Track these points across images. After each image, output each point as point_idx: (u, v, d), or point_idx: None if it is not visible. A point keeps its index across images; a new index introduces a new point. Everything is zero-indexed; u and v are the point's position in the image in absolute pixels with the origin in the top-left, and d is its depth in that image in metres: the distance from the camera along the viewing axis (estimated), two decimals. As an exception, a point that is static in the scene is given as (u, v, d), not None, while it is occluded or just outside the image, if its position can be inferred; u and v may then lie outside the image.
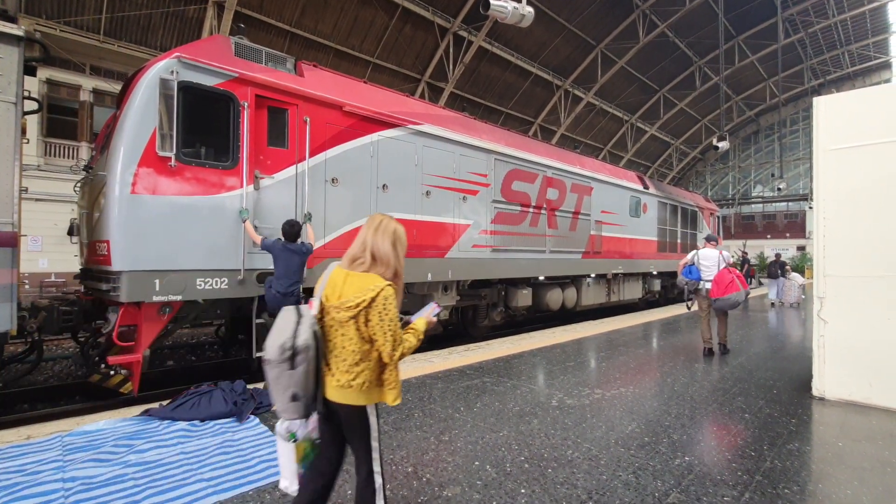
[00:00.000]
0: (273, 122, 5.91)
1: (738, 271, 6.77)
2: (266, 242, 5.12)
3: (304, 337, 1.92)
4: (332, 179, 6.37)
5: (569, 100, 31.36)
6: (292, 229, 5.05)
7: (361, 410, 2.03)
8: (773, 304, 14.90)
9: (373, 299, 1.94)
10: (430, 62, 24.12)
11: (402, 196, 7.25)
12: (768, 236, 47.65)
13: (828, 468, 3.34)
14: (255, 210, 5.60)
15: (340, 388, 1.99)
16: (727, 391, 5.14)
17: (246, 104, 5.54)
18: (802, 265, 30.98)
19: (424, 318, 2.20)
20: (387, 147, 7.04)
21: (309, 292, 3.72)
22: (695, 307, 7.46)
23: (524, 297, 9.84)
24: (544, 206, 10.13)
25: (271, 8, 18.96)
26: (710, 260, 6.92)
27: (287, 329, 1.93)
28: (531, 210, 9.77)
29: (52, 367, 7.86)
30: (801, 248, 41.63)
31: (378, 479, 2.04)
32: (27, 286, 16.60)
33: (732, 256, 7.24)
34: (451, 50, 23.69)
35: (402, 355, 2.01)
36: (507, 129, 10.52)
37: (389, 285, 2.01)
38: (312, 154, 6.13)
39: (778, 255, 16.00)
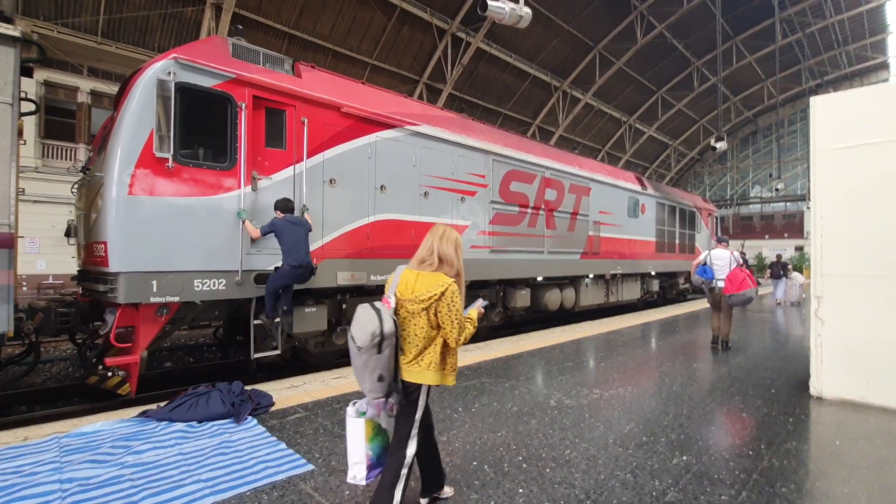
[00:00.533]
0: (271, 123, 5.91)
1: (748, 270, 7.27)
2: (265, 226, 5.29)
3: (389, 325, 2.32)
4: (330, 180, 6.37)
5: (567, 101, 31.40)
6: (289, 203, 5.42)
7: (418, 388, 2.43)
8: (777, 302, 15.39)
9: (442, 293, 2.36)
10: (428, 63, 24.15)
11: (401, 197, 7.25)
12: (766, 237, 47.75)
13: (825, 467, 3.34)
14: (253, 211, 5.60)
15: (411, 369, 2.42)
16: (725, 391, 5.14)
17: (243, 105, 5.54)
18: (800, 265, 31.08)
19: (476, 309, 2.59)
20: (385, 148, 7.04)
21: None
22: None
23: (522, 298, 9.84)
24: (542, 206, 10.14)
25: (269, 9, 18.97)
26: (722, 260, 7.36)
27: (373, 320, 2.30)
28: (529, 211, 9.78)
29: (49, 369, 7.84)
30: (799, 249, 41.71)
31: (409, 456, 2.38)
32: (25, 288, 16.56)
33: (741, 256, 7.80)
34: (449, 51, 23.71)
35: (465, 340, 2.42)
36: (506, 129, 10.53)
37: (454, 282, 2.43)
38: (310, 155, 6.13)
39: (779, 256, 16.63)
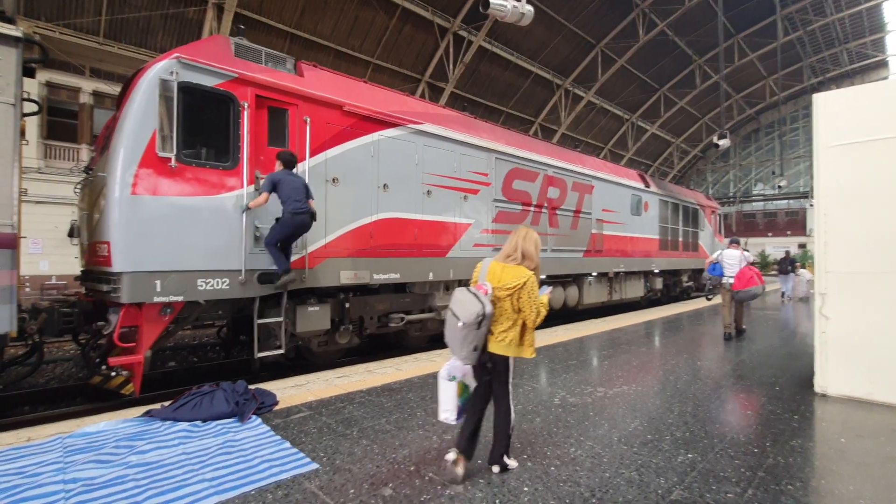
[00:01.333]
0: (273, 122, 5.91)
1: (756, 269, 7.88)
2: (265, 184, 5.29)
3: (489, 308, 2.85)
4: (333, 179, 6.36)
5: (569, 99, 31.35)
6: (293, 158, 5.54)
7: (507, 360, 3.01)
8: (783, 299, 15.75)
9: (524, 283, 2.90)
10: (430, 62, 24.13)
11: (403, 195, 7.24)
12: (770, 234, 47.64)
13: (830, 464, 3.33)
14: (256, 210, 5.59)
15: (497, 343, 2.96)
16: (729, 388, 5.13)
17: (246, 104, 5.54)
18: (804, 262, 31.08)
19: (546, 294, 3.05)
20: (387, 146, 7.03)
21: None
22: (717, 299, 8.74)
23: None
24: (545, 204, 10.12)
25: (271, 9, 18.97)
26: (733, 259, 8.09)
27: (476, 303, 2.83)
28: (532, 209, 9.77)
29: (52, 370, 7.86)
30: (803, 246, 41.57)
31: (512, 407, 3.06)
32: (28, 289, 16.61)
33: (752, 256, 8.53)
34: (451, 50, 23.69)
35: (540, 321, 2.96)
36: (508, 128, 10.51)
37: (533, 274, 2.97)
38: (313, 154, 6.12)
39: (787, 253, 17.27)
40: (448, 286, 8.17)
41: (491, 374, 3.04)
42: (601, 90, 32.17)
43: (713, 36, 27.67)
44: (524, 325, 2.98)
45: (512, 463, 3.13)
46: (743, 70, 37.37)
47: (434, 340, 8.96)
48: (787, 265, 16.16)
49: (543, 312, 2.95)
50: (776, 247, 44.73)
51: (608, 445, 3.52)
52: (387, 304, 7.47)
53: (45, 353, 6.15)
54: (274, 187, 5.26)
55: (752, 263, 8.16)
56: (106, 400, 5.97)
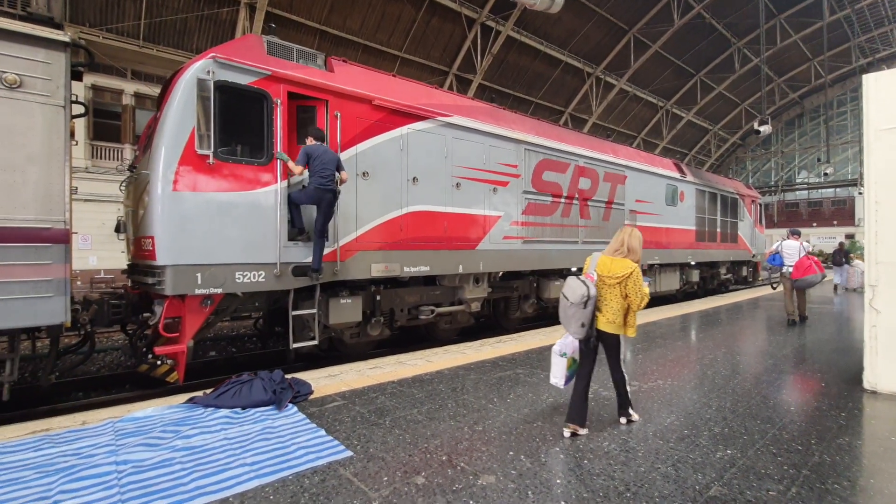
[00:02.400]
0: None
1: (815, 258, 8.43)
2: (300, 157, 5.46)
3: (593, 291, 3.47)
4: (363, 173, 6.44)
5: (600, 87, 30.64)
6: (321, 133, 5.76)
7: (616, 337, 3.63)
8: (835, 291, 15.71)
9: (631, 273, 3.48)
10: (457, 54, 24.01)
11: (433, 188, 7.26)
12: (814, 224, 45.43)
13: (880, 463, 3.17)
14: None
15: (608, 323, 3.57)
16: (771, 384, 4.95)
17: (279, 101, 5.66)
18: (851, 252, 29.64)
19: (646, 285, 3.56)
20: (416, 140, 7.06)
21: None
22: (780, 287, 9.77)
23: (557, 289, 9.70)
24: (576, 195, 9.96)
25: (300, 7, 19.26)
26: (792, 249, 8.73)
27: (583, 287, 3.44)
28: (563, 200, 9.62)
29: (103, 358, 8.30)
30: (850, 237, 39.45)
31: (625, 375, 3.77)
32: (79, 282, 17.53)
33: (812, 246, 9.35)
34: (478, 41, 23.50)
35: (643, 307, 3.52)
36: (537, 118, 10.36)
37: (638, 266, 3.54)
38: (343, 148, 6.21)
39: (841, 244, 17.48)
40: (478, 279, 8.16)
41: (599, 350, 3.71)
42: (634, 77, 31.28)
43: (753, 17, 26.43)
44: (629, 308, 3.56)
45: (635, 416, 3.82)
46: (786, 52, 35.57)
47: (464, 333, 8.99)
48: (841, 256, 16.34)
49: (646, 300, 3.51)
50: (821, 237, 42.67)
51: (643, 440, 3.47)
52: (417, 296, 7.53)
53: (96, 342, 6.49)
54: (308, 159, 5.46)
55: (811, 254, 8.55)
56: (152, 387, 6.27)
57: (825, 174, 31.68)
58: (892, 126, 4.62)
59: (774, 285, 9.94)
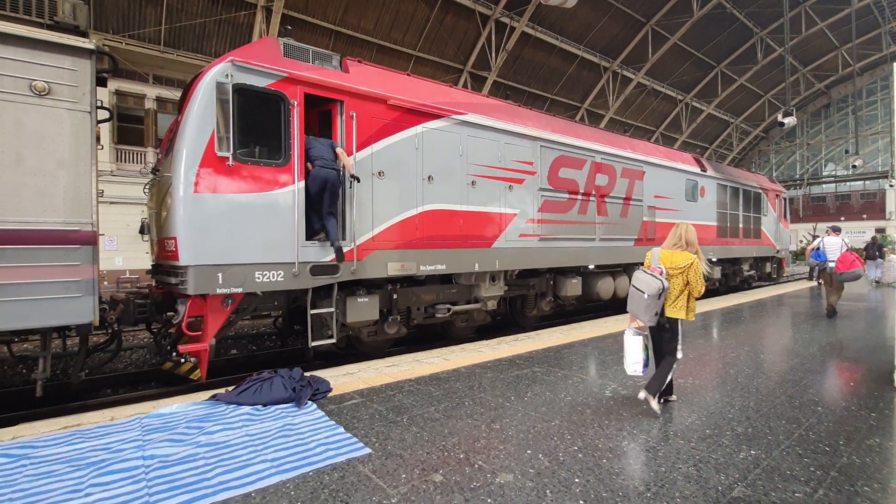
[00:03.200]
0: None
1: (856, 254, 8.95)
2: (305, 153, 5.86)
3: (666, 284, 3.86)
4: (379, 172, 6.47)
5: (617, 81, 30.21)
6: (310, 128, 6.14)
7: (677, 321, 4.04)
8: (875, 282, 16.11)
9: (691, 264, 3.89)
10: (472, 51, 23.93)
11: (448, 187, 7.26)
12: (842, 218, 44.07)
13: (914, 466, 3.07)
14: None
15: (672, 309, 3.97)
16: (797, 383, 4.83)
17: (295, 102, 5.72)
18: (885, 246, 28.78)
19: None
20: (431, 138, 7.07)
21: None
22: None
23: (573, 287, 9.63)
24: (593, 192, 9.85)
25: (315, 8, 19.44)
26: (834, 245, 9.12)
27: (657, 281, 3.83)
28: (579, 197, 9.53)
29: (129, 356, 8.53)
30: (881, 231, 38.18)
31: (679, 355, 4.13)
32: (105, 283, 18.05)
33: (850, 242, 9.92)
34: (493, 37, 23.38)
35: (701, 294, 3.92)
36: (553, 114, 10.27)
37: (697, 258, 3.94)
38: (359, 148, 6.26)
39: (874, 238, 18.01)
40: (494, 277, 8.14)
41: (667, 333, 4.09)
42: (652, 70, 30.75)
43: (777, 5, 25.75)
44: (689, 295, 3.96)
45: (672, 397, 4.29)
46: (811, 41, 34.52)
47: (480, 331, 8.98)
48: (874, 250, 16.57)
49: (703, 289, 3.93)
50: (851, 231, 41.38)
51: (663, 439, 3.42)
52: (433, 294, 7.55)
53: (122, 340, 6.68)
54: (307, 153, 5.80)
55: (851, 249, 8.94)
56: (176, 384, 6.43)
57: (854, 166, 30.61)
58: (924, 116, 4.45)
59: (819, 281, 10.44)
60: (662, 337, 4.13)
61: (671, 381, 4.13)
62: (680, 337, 4.11)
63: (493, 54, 23.70)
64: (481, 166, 7.72)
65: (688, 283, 3.92)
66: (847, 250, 8.78)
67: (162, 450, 3.21)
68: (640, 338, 4.04)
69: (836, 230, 9.44)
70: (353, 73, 6.47)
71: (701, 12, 26.90)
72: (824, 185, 46.92)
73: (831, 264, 8.97)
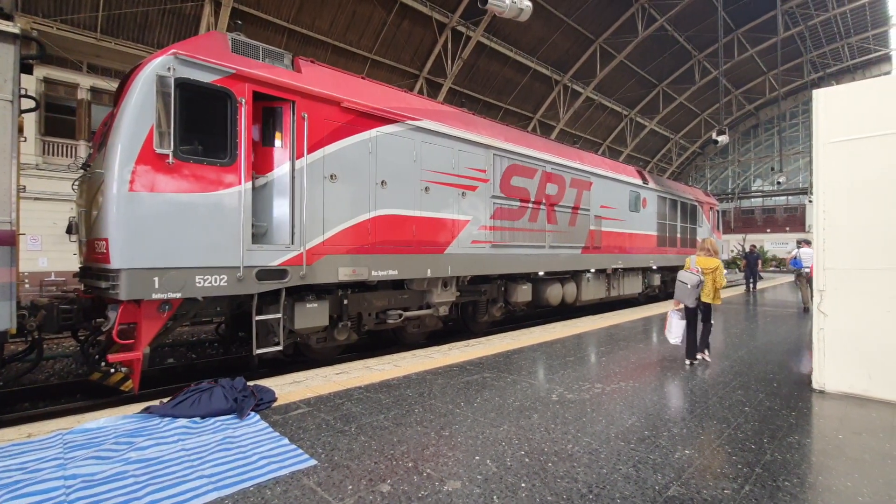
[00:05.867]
0: (271, 118, 5.89)
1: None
2: None
3: (703, 279, 5.90)
4: (331, 176, 6.35)
5: (568, 95, 31.30)
6: None
7: (709, 305, 6.10)
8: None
9: (717, 267, 5.94)
10: (428, 58, 24.05)
11: (401, 192, 7.23)
12: (768, 230, 47.67)
13: (828, 460, 3.34)
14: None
15: (706, 297, 5.99)
16: (727, 384, 5.15)
17: (243, 101, 5.52)
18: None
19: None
20: (385, 143, 7.02)
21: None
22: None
23: (524, 293, 9.84)
24: (544, 201, 10.12)
25: (268, 4, 18.89)
26: (808, 255, 11.49)
27: (696, 277, 5.86)
28: (530, 205, 9.76)
29: (52, 366, 7.87)
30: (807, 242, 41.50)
31: (710, 326, 6.24)
32: (27, 285, 16.60)
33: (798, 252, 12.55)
34: (449, 45, 23.61)
35: (724, 285, 6.09)
36: (506, 124, 10.49)
37: (720, 263, 6.02)
38: (311, 150, 6.11)
39: (752, 247, 20.01)
40: (446, 283, 8.17)
41: (703, 312, 6.14)
42: (600, 86, 32.11)
43: (713, 31, 27.63)
44: (716, 288, 5.99)
45: (708, 357, 6.20)
46: (743, 65, 37.32)
47: (432, 337, 8.98)
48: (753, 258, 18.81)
49: (724, 282, 6.06)
50: (774, 243, 44.79)
51: (605, 442, 3.54)
52: (385, 300, 7.48)
53: (44, 349, 6.16)
54: None
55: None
56: (105, 396, 5.99)
57: (778, 183, 33.33)
58: (839, 139, 4.89)
59: (797, 281, 13.03)
60: (699, 315, 6.11)
61: (708, 342, 6.26)
62: (711, 313, 6.21)
63: (450, 62, 23.93)
64: (435, 172, 7.75)
65: (715, 280, 5.91)
66: None
67: (86, 468, 2.97)
68: (680, 316, 6.04)
69: (808, 243, 11.56)
70: (306, 73, 6.33)
71: (645, 33, 28.42)
72: (753, 199, 50.54)
73: (806, 269, 11.41)
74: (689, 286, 5.83)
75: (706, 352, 6.20)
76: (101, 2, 16.48)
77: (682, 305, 6.04)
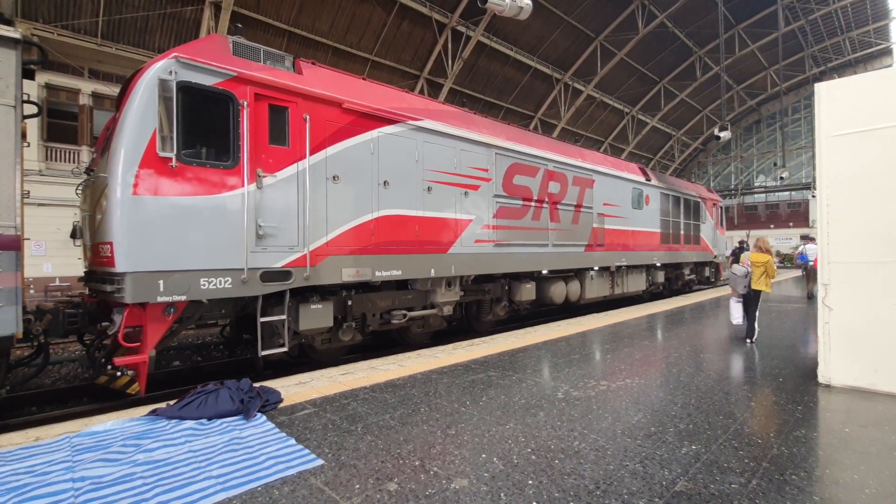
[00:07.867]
0: (273, 120, 5.91)
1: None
2: None
3: (750, 270, 7.20)
4: (334, 177, 6.36)
5: (569, 93, 31.25)
6: None
7: (759, 293, 7.22)
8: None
9: (767, 261, 7.11)
10: (428, 58, 24.06)
11: (404, 192, 7.24)
12: (771, 226, 47.43)
13: (834, 454, 3.33)
14: (258, 209, 5.61)
15: (756, 284, 7.15)
16: (733, 380, 5.13)
17: (245, 103, 5.53)
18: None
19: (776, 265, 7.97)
20: (387, 143, 7.03)
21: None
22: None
23: (528, 292, 9.83)
24: (546, 199, 10.11)
25: (268, 7, 18.93)
26: (813, 251, 13.05)
27: (745, 269, 7.21)
28: (533, 204, 9.76)
29: (59, 370, 7.91)
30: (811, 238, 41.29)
31: (757, 313, 7.30)
32: (32, 291, 16.68)
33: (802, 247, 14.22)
34: (449, 45, 23.61)
35: (775, 276, 7.49)
36: (508, 123, 10.49)
37: (770, 258, 7.19)
38: (313, 152, 6.12)
39: (741, 243, 20.13)
40: (450, 282, 8.17)
41: (752, 299, 7.17)
42: (601, 84, 32.05)
43: (713, 27, 27.55)
44: (768, 276, 7.02)
45: (750, 342, 7.13)
46: (744, 61, 37.18)
47: (436, 337, 8.98)
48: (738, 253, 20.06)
49: (776, 273, 7.16)
50: (778, 238, 44.60)
51: (612, 438, 3.54)
52: (389, 300, 7.48)
53: (50, 353, 6.18)
54: None
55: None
56: (112, 399, 6.01)
57: (781, 178, 33.16)
58: (842, 133, 4.88)
59: (804, 272, 14.58)
60: (750, 301, 7.18)
61: (755, 327, 7.18)
62: (759, 302, 7.21)
63: (450, 62, 23.93)
64: (437, 172, 7.76)
65: (765, 271, 6.98)
66: None
67: (94, 471, 2.99)
68: (740, 301, 7.23)
69: (812, 239, 13.76)
70: (307, 75, 6.34)
71: (645, 30, 28.34)
72: (756, 195, 50.33)
73: (811, 263, 13.06)
74: (738, 276, 7.16)
75: (754, 337, 7.17)
76: (101, 7, 16.55)
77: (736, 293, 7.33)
